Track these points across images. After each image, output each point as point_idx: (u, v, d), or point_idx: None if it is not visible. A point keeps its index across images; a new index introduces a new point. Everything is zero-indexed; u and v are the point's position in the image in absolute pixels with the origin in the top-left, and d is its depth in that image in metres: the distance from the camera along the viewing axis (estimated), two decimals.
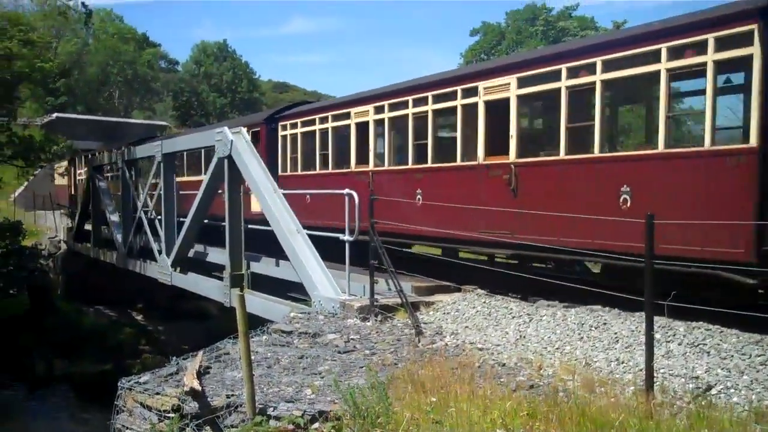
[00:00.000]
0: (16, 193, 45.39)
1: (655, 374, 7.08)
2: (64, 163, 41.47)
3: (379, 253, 11.64)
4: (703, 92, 10.05)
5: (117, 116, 64.62)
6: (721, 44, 9.67)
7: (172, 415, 7.67)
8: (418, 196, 15.08)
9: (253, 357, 8.17)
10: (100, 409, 20.61)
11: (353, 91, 19.07)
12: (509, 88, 13.02)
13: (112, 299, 32.89)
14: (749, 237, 9.21)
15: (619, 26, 66.51)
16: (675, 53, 10.22)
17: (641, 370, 7.52)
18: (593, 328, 9.55)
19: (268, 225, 15.06)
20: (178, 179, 21.64)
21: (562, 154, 11.93)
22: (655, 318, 7.35)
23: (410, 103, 15.70)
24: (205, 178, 17.90)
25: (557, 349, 9.14)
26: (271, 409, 7.38)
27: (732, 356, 8.02)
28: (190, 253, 20.34)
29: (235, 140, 15.99)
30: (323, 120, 19.30)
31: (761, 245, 9.11)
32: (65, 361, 27.76)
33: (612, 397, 6.87)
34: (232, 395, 7.82)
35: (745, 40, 9.36)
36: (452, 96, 14.55)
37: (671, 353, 8.35)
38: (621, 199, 10.80)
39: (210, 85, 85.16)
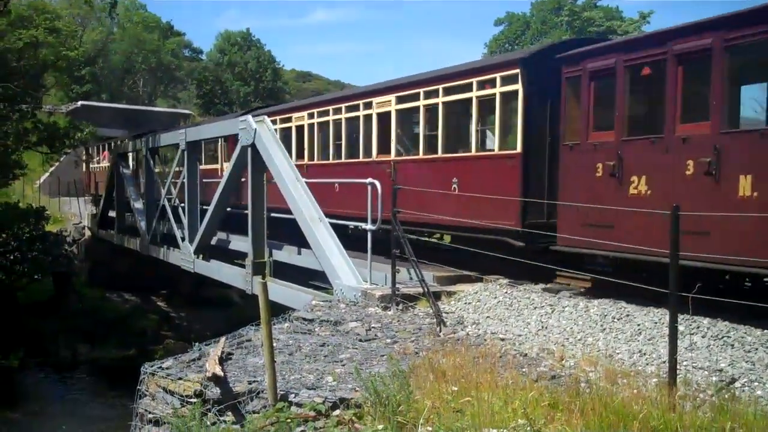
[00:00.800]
0: (41, 180, 45.72)
1: (678, 366, 7.03)
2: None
3: (401, 242, 11.63)
4: (494, 113, 13.85)
5: (141, 104, 64.90)
6: (503, 81, 13.50)
7: (194, 400, 7.71)
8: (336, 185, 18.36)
9: (275, 344, 8.19)
10: (123, 393, 20.78)
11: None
12: (391, 104, 16.84)
13: (135, 286, 33.14)
14: (517, 212, 12.80)
15: (645, 16, 66.03)
16: (480, 85, 14.16)
17: (664, 362, 7.48)
18: (616, 320, 9.50)
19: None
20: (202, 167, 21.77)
21: (421, 154, 15.90)
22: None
23: (343, 110, 18.92)
24: (228, 166, 17.97)
25: (579, 340, 9.11)
26: (293, 395, 7.40)
27: (756, 349, 7.96)
28: (213, 241, 20.45)
29: (258, 129, 16.03)
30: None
31: (525, 219, 12.72)
32: (89, 347, 28.08)
33: (634, 389, 6.82)
34: (254, 381, 7.85)
35: (514, 79, 13.22)
36: (357, 108, 18.20)
37: (695, 346, 8.30)
38: (452, 187, 14.47)
39: (234, 73, 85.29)
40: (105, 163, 41.06)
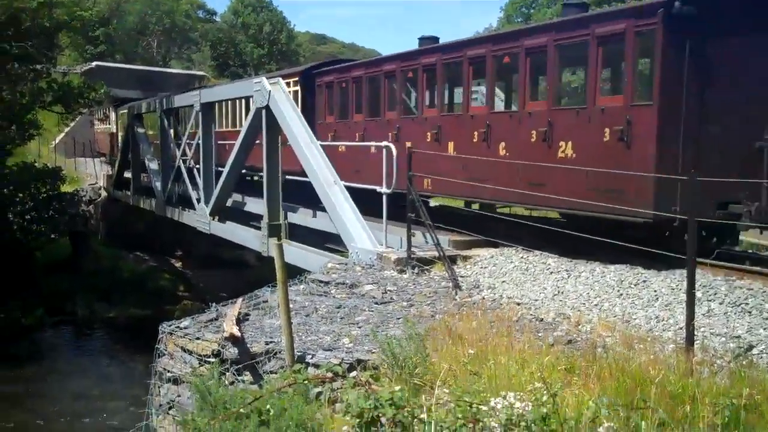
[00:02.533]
0: (57, 140, 45.76)
1: (695, 333, 7.02)
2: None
3: (417, 206, 11.61)
4: None
5: (155, 66, 64.73)
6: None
7: (212, 359, 7.79)
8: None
9: (291, 306, 8.23)
10: (140, 352, 21.06)
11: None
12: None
13: (151, 246, 33.31)
14: None
15: None
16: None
17: (681, 328, 7.48)
18: (632, 285, 9.48)
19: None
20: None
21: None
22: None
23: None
24: (243, 128, 17.94)
25: (596, 305, 9.10)
26: (310, 356, 7.46)
27: None
28: (228, 203, 20.47)
29: (273, 90, 15.96)
30: None
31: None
32: (106, 305, 28.34)
33: (651, 354, 6.80)
34: (271, 342, 7.91)
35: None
36: None
37: (712, 312, 8.28)
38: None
39: (248, 35, 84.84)
40: (106, 125, 41.22)
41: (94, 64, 51.51)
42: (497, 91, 15.63)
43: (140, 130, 28.55)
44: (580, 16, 12.46)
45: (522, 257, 11.62)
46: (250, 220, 19.80)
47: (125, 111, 36.00)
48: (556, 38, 12.40)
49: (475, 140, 14.02)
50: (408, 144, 15.22)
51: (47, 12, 29.14)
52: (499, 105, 16.42)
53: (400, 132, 16.53)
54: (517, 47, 13.31)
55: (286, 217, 16.82)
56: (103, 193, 35.46)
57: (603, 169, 10.64)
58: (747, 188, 10.23)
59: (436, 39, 16.51)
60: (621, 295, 9.27)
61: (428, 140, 15.33)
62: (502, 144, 13.36)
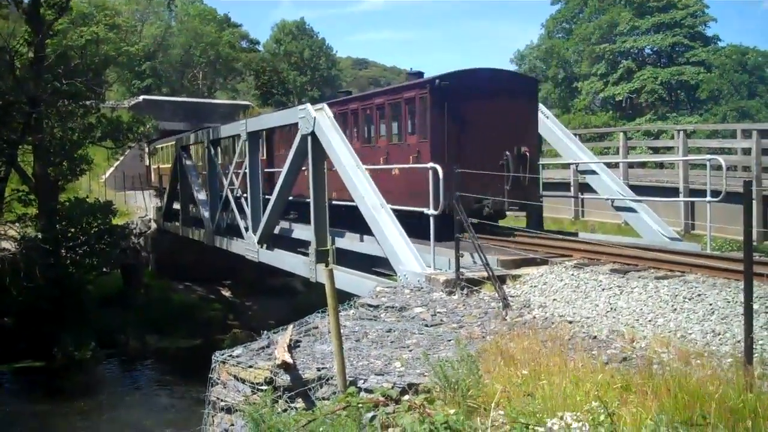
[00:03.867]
0: (107, 174, 46.58)
1: (754, 346, 6.86)
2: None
3: (465, 226, 11.58)
4: None
5: (201, 97, 65.72)
6: None
7: (265, 387, 7.81)
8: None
9: (341, 331, 8.23)
10: (192, 382, 21.25)
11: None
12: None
13: (200, 276, 33.65)
14: None
15: None
16: None
17: (739, 341, 7.31)
18: (687, 300, 9.30)
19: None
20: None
21: None
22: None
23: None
24: (289, 155, 18.10)
25: (649, 321, 8.95)
26: (362, 381, 7.44)
27: None
28: (276, 230, 20.63)
29: (318, 117, 16.10)
30: None
31: None
32: (157, 337, 28.61)
33: (709, 369, 6.66)
34: (323, 368, 7.91)
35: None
36: None
37: None
38: None
39: (290, 63, 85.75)
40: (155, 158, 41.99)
41: (141, 98, 52.60)
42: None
43: (188, 162, 28.94)
44: (397, 85, 20.39)
45: (572, 274, 11.48)
46: (297, 246, 19.92)
47: (165, 144, 36.72)
48: (388, 99, 18.45)
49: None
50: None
51: (95, 48, 29.86)
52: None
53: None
54: (371, 104, 19.45)
55: (333, 242, 16.88)
56: (153, 225, 35.97)
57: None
58: (492, 190, 16.11)
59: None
60: (675, 309, 9.10)
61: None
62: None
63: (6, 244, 27.25)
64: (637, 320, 9.04)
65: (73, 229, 28.58)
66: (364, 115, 19.83)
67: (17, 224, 27.75)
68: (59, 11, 28.55)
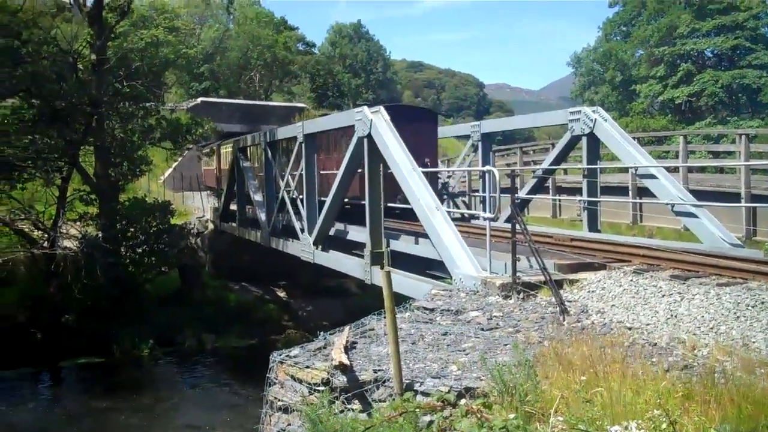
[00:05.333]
0: (165, 175, 47.32)
1: None
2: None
3: (521, 230, 11.50)
4: None
5: (257, 99, 66.36)
6: None
7: (322, 388, 7.85)
8: None
9: (398, 333, 8.23)
10: (247, 381, 21.50)
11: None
12: None
13: (256, 276, 34.02)
14: None
15: None
16: None
17: None
18: (750, 307, 9.09)
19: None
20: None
21: None
22: None
23: None
24: (345, 157, 18.20)
25: (711, 328, 8.77)
26: (418, 384, 7.43)
27: None
28: (331, 232, 20.74)
29: (374, 119, 16.15)
30: None
31: None
32: (213, 336, 29.03)
33: None
34: (379, 370, 7.93)
35: None
36: None
37: None
38: None
39: (345, 66, 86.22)
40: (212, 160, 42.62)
41: (199, 100, 53.39)
42: None
43: (245, 164, 29.28)
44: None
45: (631, 280, 11.32)
46: (352, 248, 20.00)
47: (223, 146, 37.22)
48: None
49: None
50: None
51: (155, 51, 30.39)
52: None
53: None
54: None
55: (388, 245, 16.91)
56: (210, 226, 36.45)
57: None
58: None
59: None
60: (738, 317, 8.91)
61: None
62: None
63: (68, 243, 27.90)
64: (699, 328, 8.87)
65: (132, 229, 29.16)
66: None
67: (79, 223, 28.40)
68: (121, 14, 29.14)
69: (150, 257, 29.43)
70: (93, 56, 27.90)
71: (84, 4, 28.58)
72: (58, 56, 27.35)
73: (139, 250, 29.29)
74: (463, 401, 6.84)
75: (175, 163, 47.21)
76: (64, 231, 27.73)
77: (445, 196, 24.15)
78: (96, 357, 25.84)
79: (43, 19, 28.67)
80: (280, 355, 8.82)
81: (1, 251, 25.71)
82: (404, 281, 14.79)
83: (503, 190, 14.02)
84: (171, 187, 45.04)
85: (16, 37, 26.13)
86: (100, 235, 28.13)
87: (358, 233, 19.69)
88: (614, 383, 6.50)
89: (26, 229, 27.95)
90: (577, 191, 24.14)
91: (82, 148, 28.75)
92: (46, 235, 27.38)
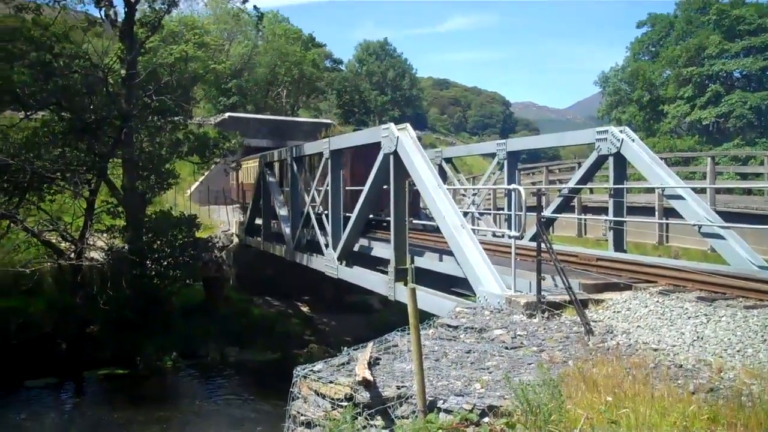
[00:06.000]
0: (192, 188, 47.63)
1: None
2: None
3: (547, 248, 11.46)
4: None
5: (284, 115, 66.76)
6: None
7: (345, 403, 7.85)
8: None
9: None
10: (270, 394, 21.52)
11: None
12: None
13: (279, 291, 34.10)
14: None
15: None
16: None
17: None
18: None
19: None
20: None
21: None
22: None
23: None
24: (371, 174, 18.24)
25: (738, 351, 8.69)
26: (441, 401, 7.41)
27: None
28: (355, 247, 20.77)
29: (401, 136, 16.19)
30: None
31: None
32: (236, 349, 29.10)
33: None
34: (402, 386, 7.91)
35: None
36: None
37: None
38: None
39: (372, 83, 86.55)
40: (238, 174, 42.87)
41: (227, 114, 53.80)
42: None
43: (271, 179, 29.43)
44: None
45: (657, 301, 11.25)
46: (376, 264, 20.02)
47: (249, 160, 37.48)
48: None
49: None
50: None
51: (184, 66, 30.74)
52: None
53: None
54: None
55: (412, 261, 16.89)
56: (235, 240, 36.62)
57: None
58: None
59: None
60: (765, 340, 8.83)
61: None
62: None
63: (94, 254, 28.15)
64: (725, 350, 8.79)
65: (158, 241, 29.34)
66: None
67: (106, 235, 28.65)
68: (151, 30, 29.50)
69: (175, 270, 29.59)
70: (123, 70, 28.27)
71: (115, 20, 28.96)
72: (89, 70, 27.72)
73: (165, 263, 29.46)
74: (486, 419, 6.81)
75: (202, 177, 47.52)
76: (91, 243, 28.01)
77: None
78: (119, 368, 25.99)
79: (75, 33, 29.06)
80: (304, 369, 8.84)
81: (28, 262, 25.93)
82: (428, 298, 14.76)
83: (529, 209, 13.96)
84: (197, 201, 45.33)
85: (48, 51, 26.54)
86: (126, 247, 28.40)
87: (382, 249, 19.71)
88: (639, 405, 6.45)
89: (54, 241, 28.21)
90: (602, 211, 24.04)
91: (110, 161, 29.06)
92: (73, 247, 27.64)
